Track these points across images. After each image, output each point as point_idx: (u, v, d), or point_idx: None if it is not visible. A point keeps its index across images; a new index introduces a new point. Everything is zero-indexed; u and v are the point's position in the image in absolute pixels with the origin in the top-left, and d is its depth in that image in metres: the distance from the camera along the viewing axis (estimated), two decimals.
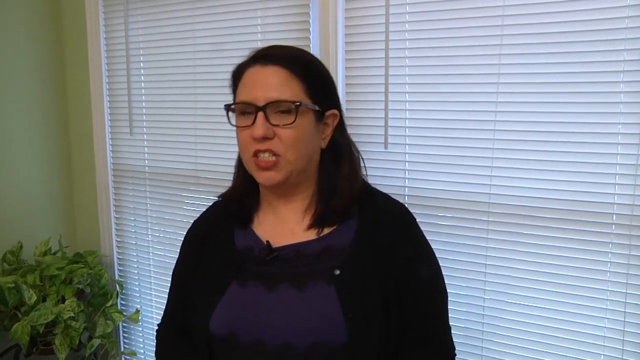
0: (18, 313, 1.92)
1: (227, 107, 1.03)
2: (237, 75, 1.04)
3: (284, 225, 1.06)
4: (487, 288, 1.50)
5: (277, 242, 1.04)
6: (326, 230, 1.03)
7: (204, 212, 1.20)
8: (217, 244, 1.09)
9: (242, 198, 1.09)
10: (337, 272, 0.98)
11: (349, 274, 0.98)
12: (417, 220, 1.10)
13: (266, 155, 0.98)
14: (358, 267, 0.99)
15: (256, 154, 0.99)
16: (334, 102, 1.07)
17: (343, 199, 1.03)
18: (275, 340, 0.96)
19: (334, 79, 1.10)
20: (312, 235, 1.03)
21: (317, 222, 1.03)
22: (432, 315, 1.04)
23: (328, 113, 1.04)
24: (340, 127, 1.08)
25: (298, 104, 0.97)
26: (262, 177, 1.01)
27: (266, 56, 1.01)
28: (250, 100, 0.98)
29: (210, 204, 1.20)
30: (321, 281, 0.97)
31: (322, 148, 1.05)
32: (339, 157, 1.06)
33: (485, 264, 1.49)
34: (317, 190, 1.06)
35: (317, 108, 1.01)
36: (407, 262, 1.02)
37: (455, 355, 1.08)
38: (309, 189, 1.06)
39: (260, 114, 0.97)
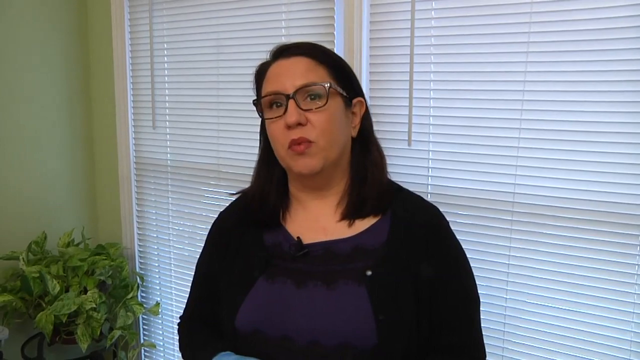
0: (42, 302, 1.95)
1: (256, 102, 1.03)
2: (261, 73, 1.04)
3: (315, 221, 1.04)
4: (509, 288, 1.48)
5: (308, 238, 1.02)
6: (358, 224, 1.01)
7: (232, 204, 1.18)
8: (245, 238, 1.08)
9: (264, 200, 1.06)
10: (369, 272, 0.96)
11: (381, 275, 0.96)
12: None
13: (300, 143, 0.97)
14: (390, 268, 0.97)
15: (291, 145, 0.97)
16: (359, 91, 1.06)
17: (374, 187, 1.02)
18: (303, 337, 0.95)
19: (358, 75, 1.09)
20: (343, 228, 1.01)
21: (349, 213, 1.02)
22: (462, 320, 1.02)
23: (355, 100, 1.04)
24: (367, 116, 1.07)
25: (328, 85, 0.97)
26: (299, 166, 0.98)
27: (287, 50, 1.02)
28: (279, 90, 0.97)
29: (234, 197, 1.19)
30: (352, 281, 0.95)
31: (352, 137, 1.04)
32: (368, 144, 1.05)
33: (508, 264, 1.47)
34: (349, 182, 1.04)
35: (345, 94, 1.01)
36: (439, 266, 0.99)
37: None
38: (341, 182, 1.04)
39: (291, 102, 0.96)
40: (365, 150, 1.05)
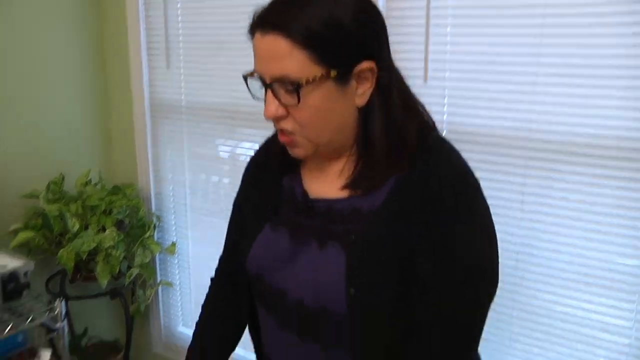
0: (62, 240, 2.00)
1: (246, 77, 0.91)
2: (251, 36, 0.90)
3: (324, 179, 0.97)
4: (523, 224, 1.49)
5: (315, 192, 0.96)
6: (360, 192, 0.91)
7: (265, 142, 1.11)
8: (268, 178, 1.04)
9: (285, 148, 0.98)
10: (353, 237, 0.88)
11: (365, 242, 0.87)
12: None
13: (284, 132, 0.89)
14: (378, 235, 0.87)
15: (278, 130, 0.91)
16: (367, 53, 0.85)
17: (377, 160, 0.89)
18: (294, 294, 0.93)
19: None
20: (346, 193, 0.93)
21: (350, 186, 0.92)
22: (457, 315, 0.86)
23: (358, 69, 0.85)
24: (385, 75, 0.88)
25: (302, 82, 0.82)
26: (290, 151, 0.93)
27: (264, 21, 0.85)
28: (259, 73, 0.87)
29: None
30: (338, 244, 0.89)
31: (359, 106, 0.89)
32: (372, 112, 0.89)
33: (522, 200, 1.48)
34: (356, 150, 0.93)
35: (333, 74, 0.83)
36: (442, 242, 0.85)
37: None
38: (352, 148, 0.93)
39: (269, 93, 0.86)
40: (369, 118, 0.90)
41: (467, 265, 0.86)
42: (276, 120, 0.88)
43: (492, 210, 1.48)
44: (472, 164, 1.51)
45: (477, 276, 0.87)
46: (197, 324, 1.17)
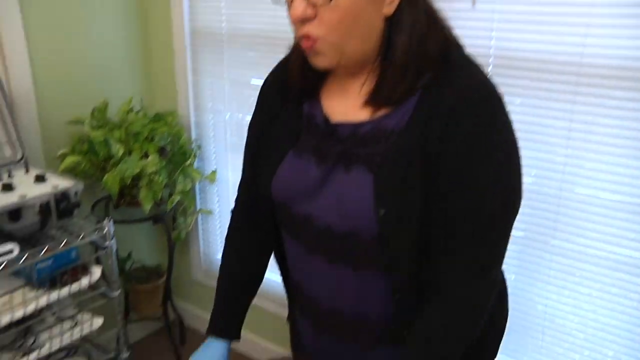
0: (107, 166, 2.05)
1: None
2: None
3: (345, 99, 0.96)
4: (568, 153, 1.47)
5: (336, 117, 0.95)
6: (383, 110, 0.91)
7: (280, 65, 1.09)
8: (289, 99, 1.02)
9: (303, 70, 0.97)
10: (379, 159, 0.88)
11: (391, 163, 0.87)
12: (502, 83, 0.92)
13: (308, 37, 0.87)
14: (403, 155, 0.87)
15: (301, 39, 0.89)
16: None
17: (398, 73, 0.88)
18: (320, 219, 0.94)
19: None
20: (368, 113, 0.92)
21: (371, 100, 0.91)
22: (466, 225, 0.87)
23: None
24: None
25: None
26: (312, 61, 0.91)
27: None
28: None
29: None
30: (364, 167, 0.89)
31: (387, 16, 0.87)
32: (399, 23, 0.88)
33: (570, 128, 1.45)
34: (379, 62, 0.91)
35: None
36: (464, 158, 0.85)
37: (495, 288, 0.97)
38: (374, 62, 0.91)
39: None
40: (396, 29, 0.88)
41: (488, 190, 0.86)
42: (302, 22, 0.86)
43: (537, 137, 1.48)
44: (519, 90, 1.49)
45: (497, 202, 0.87)
46: (222, 255, 1.18)
